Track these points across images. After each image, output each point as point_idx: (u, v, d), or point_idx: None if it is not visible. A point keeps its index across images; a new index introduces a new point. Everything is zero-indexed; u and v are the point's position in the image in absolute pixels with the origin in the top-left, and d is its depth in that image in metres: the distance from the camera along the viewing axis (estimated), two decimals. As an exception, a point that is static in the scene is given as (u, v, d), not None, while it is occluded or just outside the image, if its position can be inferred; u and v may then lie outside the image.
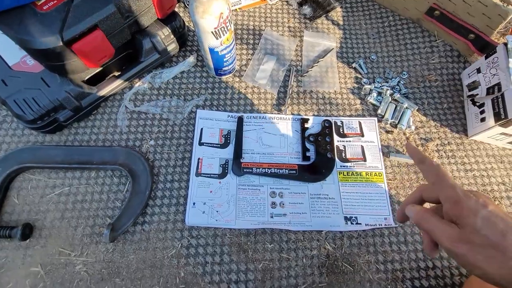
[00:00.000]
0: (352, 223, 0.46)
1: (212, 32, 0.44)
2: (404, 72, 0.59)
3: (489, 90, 0.50)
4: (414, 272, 0.44)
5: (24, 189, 0.46)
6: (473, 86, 0.54)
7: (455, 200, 0.24)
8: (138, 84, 0.54)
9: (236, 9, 0.64)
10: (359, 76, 0.59)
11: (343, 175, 0.50)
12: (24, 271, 0.42)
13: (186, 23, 0.59)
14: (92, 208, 0.46)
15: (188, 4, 0.64)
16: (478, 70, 0.54)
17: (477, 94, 0.53)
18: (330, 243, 0.45)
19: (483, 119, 0.51)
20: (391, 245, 0.46)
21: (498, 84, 0.48)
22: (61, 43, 0.39)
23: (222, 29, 0.44)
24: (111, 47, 0.46)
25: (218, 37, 0.45)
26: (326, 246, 0.45)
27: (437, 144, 0.53)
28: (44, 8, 0.40)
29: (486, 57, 0.52)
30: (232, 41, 0.50)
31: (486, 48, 0.56)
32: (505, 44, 0.50)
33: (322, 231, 0.46)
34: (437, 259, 0.45)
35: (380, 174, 0.50)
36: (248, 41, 0.61)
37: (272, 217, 0.46)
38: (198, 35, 0.47)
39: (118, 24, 0.44)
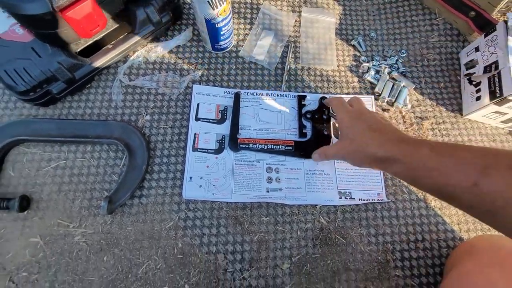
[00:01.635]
0: (346, 198, 0.48)
1: (208, 1, 0.42)
2: (403, 51, 0.58)
3: (486, 69, 0.50)
4: (404, 245, 0.46)
5: (19, 162, 0.46)
6: (471, 65, 0.54)
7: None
8: (133, 58, 0.53)
9: (233, -19, 0.62)
10: (358, 54, 0.59)
11: (339, 151, 0.50)
12: (23, 241, 0.42)
13: (182, -5, 0.57)
14: (89, 181, 0.46)
15: (183, -25, 0.61)
16: (477, 49, 0.54)
17: (474, 73, 0.53)
18: (324, 217, 0.47)
19: (478, 98, 0.51)
20: (383, 219, 0.47)
21: (496, 63, 0.48)
22: (50, 10, 0.37)
23: (219, -2, 0.43)
24: (104, 16, 0.44)
25: (215, 7, 0.44)
26: (320, 220, 0.46)
27: (432, 123, 0.54)
28: (32, -29, 0.37)
29: (486, 36, 0.52)
30: (229, 13, 0.48)
31: (486, 26, 0.55)
32: (505, 22, 0.49)
33: (317, 205, 0.47)
34: (427, 232, 0.47)
35: (375, 151, 0.51)
36: (246, 15, 0.60)
37: (268, 191, 0.47)
38: (193, 5, 0.45)
39: (110, -8, 0.42)
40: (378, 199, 0.48)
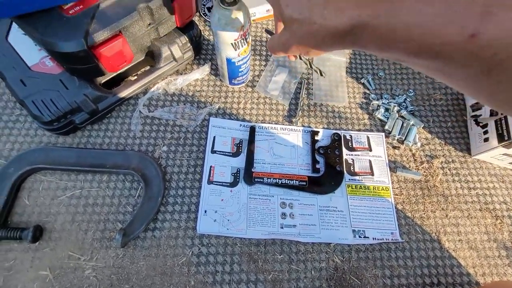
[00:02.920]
0: (360, 237, 0.47)
1: (231, 43, 0.45)
2: (410, 90, 0.61)
3: (493, 112, 0.52)
4: None
5: (35, 190, 0.46)
6: (477, 107, 0.56)
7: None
8: (153, 90, 0.55)
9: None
10: (367, 91, 0.61)
11: (352, 188, 0.51)
12: (32, 274, 0.41)
13: (202, 32, 0.60)
14: (103, 212, 0.46)
15: (204, 14, 0.65)
16: (482, 92, 0.56)
17: (481, 115, 0.55)
18: (338, 256, 0.46)
19: (486, 139, 0.53)
20: (397, 260, 0.47)
21: (502, 107, 0.50)
22: (84, 48, 0.39)
23: (242, 41, 0.45)
24: (131, 53, 0.46)
25: (237, 49, 0.46)
26: (334, 259, 0.46)
27: (442, 162, 0.55)
28: (70, 12, 0.40)
29: (490, 80, 0.55)
30: (249, 53, 0.51)
31: (490, 71, 0.58)
32: (509, 69, 0.52)
33: (331, 243, 0.47)
34: (442, 275, 0.46)
35: (387, 189, 0.51)
36: (261, 52, 0.63)
37: (282, 227, 0.47)
38: (216, 46, 0.48)
39: (139, 31, 0.45)
40: (392, 239, 0.48)
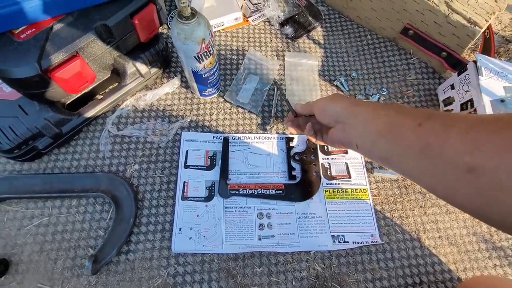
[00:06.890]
0: (339, 242, 0.47)
1: (194, 57, 0.44)
2: (383, 89, 0.61)
3: (463, 106, 0.53)
4: (402, 289, 0.45)
5: (0, 222, 0.44)
6: (448, 101, 0.56)
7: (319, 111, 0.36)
8: (122, 107, 0.54)
9: (219, 30, 0.65)
10: (341, 93, 0.61)
11: (329, 192, 0.50)
12: (-2, 311, 0.39)
13: (170, 45, 0.60)
14: (73, 238, 0.44)
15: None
16: (452, 87, 0.56)
17: (452, 110, 0.55)
18: (319, 263, 0.45)
19: (459, 134, 0.53)
20: (378, 262, 0.46)
21: (471, 100, 0.51)
22: (38, 72, 0.38)
23: (205, 53, 0.45)
24: (92, 73, 0.45)
25: (201, 61, 0.46)
26: (315, 267, 0.45)
27: (418, 158, 0.55)
28: (22, 36, 0.39)
29: (459, 74, 0.55)
30: (215, 64, 0.50)
31: (458, 65, 0.59)
32: (475, 62, 0.53)
33: (311, 251, 0.46)
34: (424, 274, 0.46)
35: (365, 190, 0.51)
36: (232, 61, 0.62)
37: (260, 239, 0.46)
38: (181, 59, 0.47)
39: (99, 50, 0.44)
40: (372, 241, 0.47)
